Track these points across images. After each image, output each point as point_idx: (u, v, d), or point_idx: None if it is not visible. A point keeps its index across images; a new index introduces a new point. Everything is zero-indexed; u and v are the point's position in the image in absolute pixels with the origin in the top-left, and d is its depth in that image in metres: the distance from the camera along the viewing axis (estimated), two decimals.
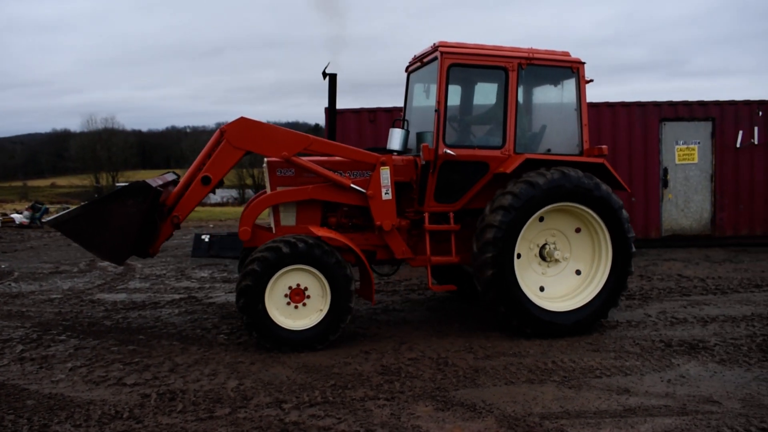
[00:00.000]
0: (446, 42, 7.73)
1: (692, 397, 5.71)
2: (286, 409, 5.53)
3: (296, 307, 7.08)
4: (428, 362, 6.74)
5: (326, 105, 8.50)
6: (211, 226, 22.28)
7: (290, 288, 7.05)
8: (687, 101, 14.40)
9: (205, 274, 12.79)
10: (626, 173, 14.20)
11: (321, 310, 7.09)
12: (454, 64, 7.66)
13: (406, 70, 9.09)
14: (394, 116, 13.62)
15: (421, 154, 7.60)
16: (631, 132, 14.48)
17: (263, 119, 7.81)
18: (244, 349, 7.28)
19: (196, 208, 8.75)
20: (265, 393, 5.92)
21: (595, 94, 14.23)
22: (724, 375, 6.26)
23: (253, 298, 6.84)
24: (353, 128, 13.88)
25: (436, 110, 7.57)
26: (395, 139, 8.33)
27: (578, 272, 7.94)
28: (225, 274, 12.69)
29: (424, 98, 8.59)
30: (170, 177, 8.72)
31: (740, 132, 12.38)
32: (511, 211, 7.22)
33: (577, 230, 7.89)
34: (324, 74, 8.26)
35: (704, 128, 14.53)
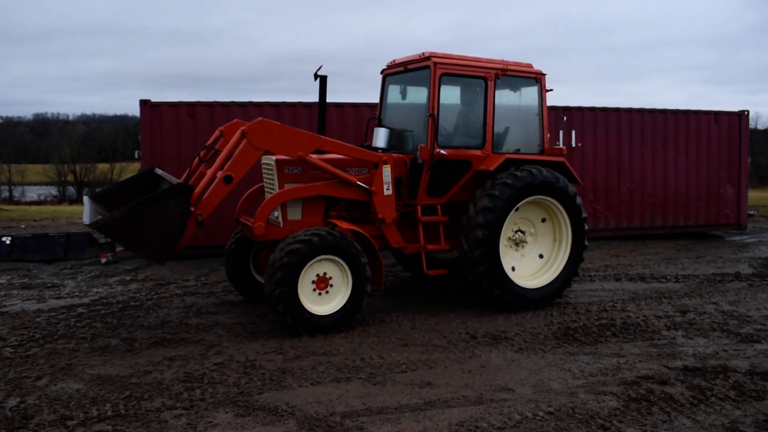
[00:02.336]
0: (436, 53, 8.55)
1: (489, 386, 5.92)
2: (71, 427, 5.07)
3: (320, 294, 7.63)
4: (235, 366, 6.48)
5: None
6: (23, 226, 20.34)
7: (317, 276, 7.58)
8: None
9: (2, 280, 11.58)
10: None
11: (344, 294, 7.68)
12: (444, 73, 8.51)
13: (382, 73, 9.79)
14: (231, 112, 13.27)
15: (417, 153, 8.37)
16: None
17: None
18: (31, 363, 6.60)
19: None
20: (49, 410, 5.38)
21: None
22: (520, 363, 6.58)
23: (288, 288, 7.28)
24: (171, 123, 13.17)
25: (430, 114, 8.38)
26: (381, 137, 9.00)
27: (541, 256, 9.20)
28: (26, 280, 11.55)
29: (400, 99, 9.53)
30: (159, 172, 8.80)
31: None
32: (495, 210, 8.28)
33: (543, 220, 9.16)
34: (315, 76, 9.06)
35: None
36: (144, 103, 13.00)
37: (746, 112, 16.90)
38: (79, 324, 8.19)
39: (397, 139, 9.02)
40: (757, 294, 9.91)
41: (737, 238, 16.74)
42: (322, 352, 6.95)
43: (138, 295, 9.92)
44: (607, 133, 15.74)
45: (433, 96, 8.41)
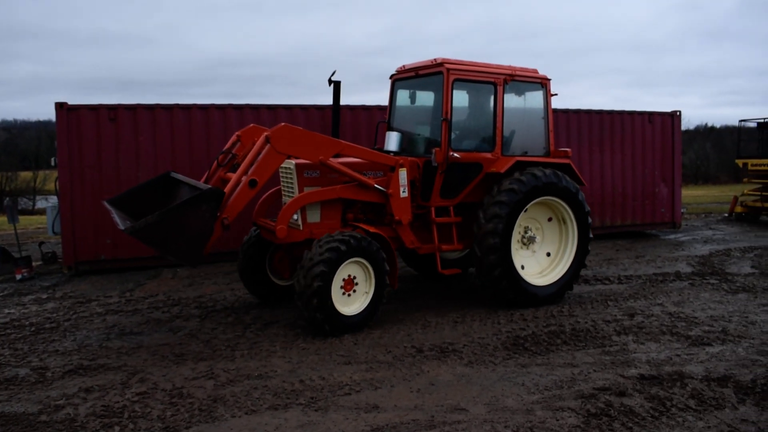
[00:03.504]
0: (448, 59, 8.76)
1: (440, 406, 5.50)
2: None
3: (346, 294, 7.80)
4: (160, 396, 5.85)
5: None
6: None
7: (348, 276, 7.78)
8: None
9: None
10: None
11: (366, 294, 7.94)
12: (457, 79, 8.70)
13: (391, 78, 9.95)
14: (156, 116, 12.58)
15: (432, 156, 8.55)
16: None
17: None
18: None
19: None
20: None
21: (366, 99, 13.98)
22: (471, 378, 6.19)
23: (324, 284, 7.42)
24: (90, 128, 12.26)
25: (444, 119, 8.56)
26: (393, 141, 9.23)
27: (548, 254, 9.49)
28: None
29: (409, 103, 9.74)
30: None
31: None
32: (504, 217, 8.53)
33: (549, 219, 9.45)
34: (330, 81, 9.32)
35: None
36: (60, 107, 12.04)
37: (678, 113, 17.13)
38: None
39: (408, 142, 9.32)
40: (699, 293, 9.85)
41: (672, 236, 16.93)
42: (257, 374, 6.39)
43: (54, 315, 9.08)
44: None
45: (446, 101, 8.63)
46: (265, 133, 7.82)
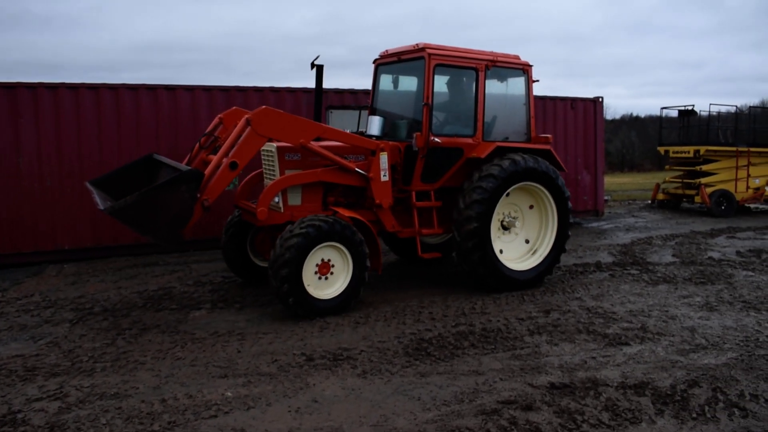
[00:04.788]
0: (430, 44, 8.73)
1: (319, 429, 4.70)
2: None
3: (321, 278, 7.74)
4: None
5: None
6: None
7: (322, 260, 7.69)
8: (353, 89, 13.98)
9: None
10: None
11: (344, 280, 7.84)
12: (438, 64, 8.67)
13: (374, 63, 9.82)
14: (58, 95, 11.36)
15: (413, 141, 8.52)
16: (298, 113, 13.45)
17: None
18: None
19: None
20: None
21: (302, 85, 13.15)
22: (362, 392, 5.41)
23: (294, 269, 7.38)
24: None
25: (425, 104, 8.51)
26: (375, 125, 9.16)
27: (527, 241, 9.48)
28: None
29: (392, 87, 9.76)
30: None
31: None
32: (484, 202, 8.50)
33: (530, 207, 9.42)
34: (312, 65, 9.30)
35: (360, 115, 14.23)
36: None
37: (600, 99, 16.81)
38: None
39: (390, 126, 9.24)
40: (619, 285, 9.39)
41: (595, 224, 16.63)
42: (113, 392, 5.44)
43: None
44: None
45: (428, 86, 8.58)
46: (246, 116, 7.81)
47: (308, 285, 7.58)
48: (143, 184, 8.21)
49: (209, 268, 10.76)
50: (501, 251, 9.08)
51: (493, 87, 9.32)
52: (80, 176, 11.40)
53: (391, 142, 8.84)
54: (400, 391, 5.40)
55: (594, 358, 6.23)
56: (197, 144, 8.76)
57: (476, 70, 9.00)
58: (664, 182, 21.53)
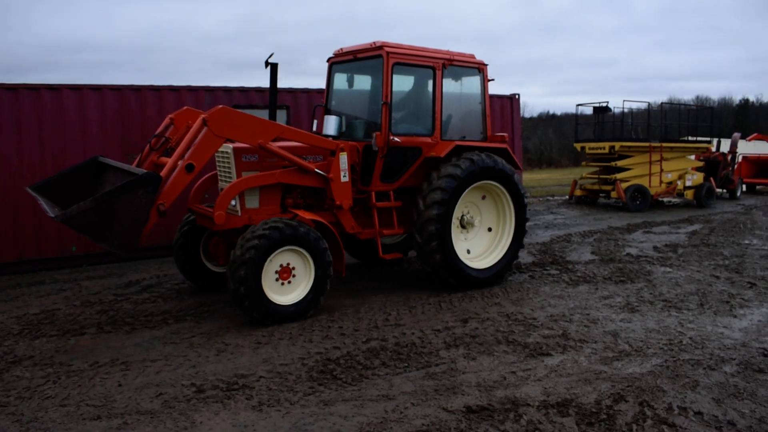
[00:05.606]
0: (387, 43, 8.56)
1: None
2: None
3: (283, 284, 7.47)
4: None
5: None
6: None
7: (281, 266, 7.41)
8: (260, 87, 13.21)
9: None
10: None
11: (306, 284, 7.56)
12: (397, 62, 8.54)
13: (328, 61, 9.62)
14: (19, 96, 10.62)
15: (372, 140, 8.35)
16: None
17: None
18: None
19: None
20: None
21: (219, 85, 12.29)
22: (255, 430, 4.73)
23: (253, 271, 7.07)
24: None
25: (384, 103, 8.36)
26: (331, 125, 8.89)
27: (490, 229, 9.51)
28: None
29: (347, 87, 9.56)
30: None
31: (315, 121, 11.63)
32: (443, 203, 8.44)
33: (483, 197, 9.37)
34: (266, 63, 8.88)
35: (279, 116, 13.54)
36: None
37: (517, 96, 16.63)
38: None
39: (347, 126, 9.05)
40: (539, 288, 9.05)
41: None
42: None
43: None
44: None
45: (386, 85, 8.45)
46: (202, 116, 7.49)
47: (270, 293, 7.32)
48: (89, 189, 7.92)
49: (101, 285, 9.79)
50: (468, 251, 9.15)
51: (449, 86, 9.25)
52: None
53: (349, 142, 8.63)
54: (298, 427, 4.75)
55: (514, 372, 5.76)
56: (147, 145, 8.28)
57: (434, 68, 8.90)
58: (581, 178, 21.67)
